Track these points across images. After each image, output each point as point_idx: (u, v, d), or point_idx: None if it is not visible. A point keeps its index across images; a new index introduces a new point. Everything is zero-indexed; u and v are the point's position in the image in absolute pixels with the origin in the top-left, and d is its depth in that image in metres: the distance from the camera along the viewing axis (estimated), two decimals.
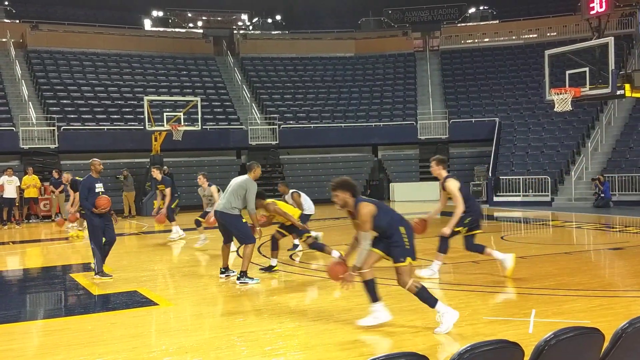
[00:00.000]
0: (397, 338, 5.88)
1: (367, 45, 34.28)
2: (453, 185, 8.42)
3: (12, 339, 6.48)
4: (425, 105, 29.77)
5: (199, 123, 23.81)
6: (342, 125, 28.43)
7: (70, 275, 10.23)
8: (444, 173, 8.55)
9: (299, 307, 7.37)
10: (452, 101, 30.16)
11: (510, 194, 23.63)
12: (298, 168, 28.20)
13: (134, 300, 8.15)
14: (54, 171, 21.67)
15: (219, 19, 37.47)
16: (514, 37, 33.71)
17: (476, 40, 34.15)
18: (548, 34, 32.53)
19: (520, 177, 23.64)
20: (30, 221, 21.12)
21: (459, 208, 8.34)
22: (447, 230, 8.54)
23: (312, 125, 28.39)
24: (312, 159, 28.54)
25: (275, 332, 6.29)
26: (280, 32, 37.99)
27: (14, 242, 16.02)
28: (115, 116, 26.49)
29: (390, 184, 27.58)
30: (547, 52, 17.16)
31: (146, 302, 8.00)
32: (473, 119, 28.50)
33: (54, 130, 23.72)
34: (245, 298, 8.12)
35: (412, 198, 25.90)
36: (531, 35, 33.49)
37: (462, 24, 36.00)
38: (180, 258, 12.18)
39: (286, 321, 6.68)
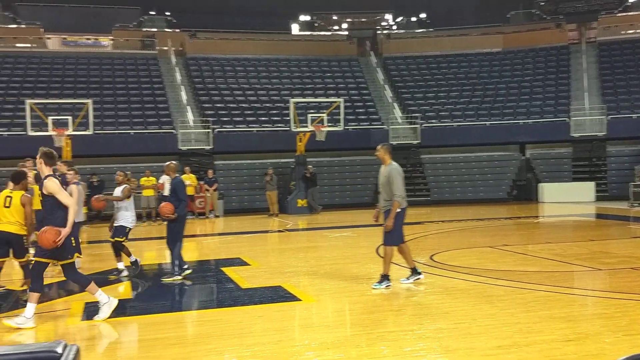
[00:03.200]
0: (545, 346, 5.58)
1: (516, 39, 32.86)
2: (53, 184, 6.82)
3: (169, 327, 6.98)
4: (580, 100, 27.98)
5: (341, 123, 24.19)
6: (487, 123, 27.50)
7: (222, 269, 10.83)
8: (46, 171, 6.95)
9: (441, 309, 7.23)
10: (611, 96, 28.07)
11: None
12: (440, 168, 27.72)
13: (279, 295, 8.45)
14: (208, 171, 23.12)
15: (363, 20, 37.86)
16: None
17: (638, 31, 31.49)
18: None
19: None
20: (187, 217, 22.62)
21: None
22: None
23: (454, 123, 27.77)
24: (454, 159, 27.91)
25: (415, 333, 6.22)
26: (424, 30, 37.58)
27: None
28: (263, 118, 27.66)
29: (539, 184, 26.21)
30: None
31: (290, 297, 8.27)
32: (634, 115, 26.32)
33: (208, 132, 25.26)
34: (385, 298, 8.11)
35: (563, 199, 24.45)
36: None
37: (623, 14, 33.37)
38: (322, 255, 12.44)
39: (426, 323, 6.59)
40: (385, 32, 36.51)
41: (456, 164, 27.87)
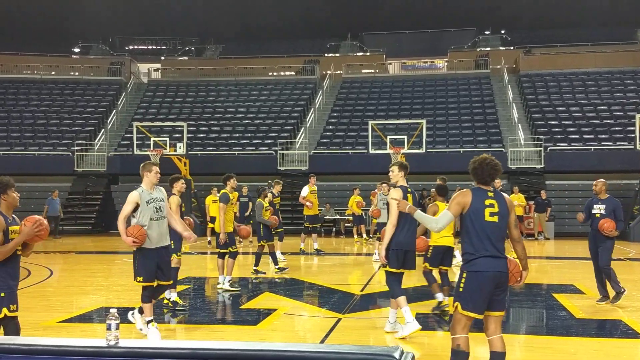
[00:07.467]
0: None
1: None
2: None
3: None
4: None
5: None
6: None
7: (553, 294, 10.24)
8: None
9: None
10: None
11: None
12: None
13: (619, 330, 7.66)
14: (542, 192, 22.16)
15: None
16: None
17: None
18: None
19: None
20: (526, 238, 22.03)
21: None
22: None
23: None
24: None
25: None
26: None
27: None
28: (603, 135, 25.53)
29: None
30: None
31: (632, 334, 7.41)
32: None
33: (540, 150, 24.30)
34: None
35: None
36: None
37: None
38: None
39: None
40: None
41: None
